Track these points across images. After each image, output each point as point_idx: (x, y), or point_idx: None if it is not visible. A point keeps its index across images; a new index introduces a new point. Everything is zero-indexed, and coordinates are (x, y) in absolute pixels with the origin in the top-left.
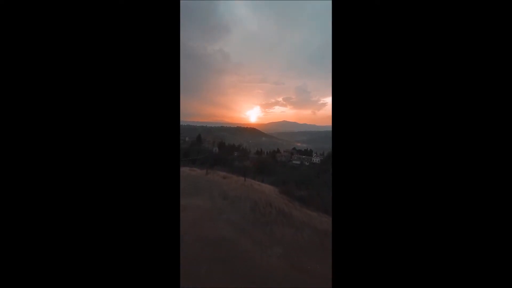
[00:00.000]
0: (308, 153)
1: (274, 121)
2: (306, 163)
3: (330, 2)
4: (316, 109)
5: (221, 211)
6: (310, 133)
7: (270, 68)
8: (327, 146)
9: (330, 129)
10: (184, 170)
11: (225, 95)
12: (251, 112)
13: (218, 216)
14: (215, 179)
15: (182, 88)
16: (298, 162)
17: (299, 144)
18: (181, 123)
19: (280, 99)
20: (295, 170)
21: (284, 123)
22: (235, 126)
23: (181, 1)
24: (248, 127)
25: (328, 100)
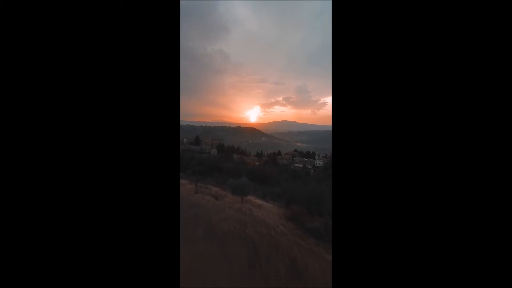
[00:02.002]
0: (310, 155)
1: (274, 120)
2: (309, 167)
3: (330, 2)
4: (316, 108)
5: (202, 272)
6: (310, 133)
7: (270, 68)
8: (328, 147)
9: (330, 128)
10: None
11: (225, 95)
12: (251, 112)
13: None
14: (204, 200)
15: (182, 88)
16: (300, 166)
17: (299, 144)
18: (181, 123)
19: (280, 98)
20: (299, 177)
21: (284, 122)
22: (235, 126)
23: (181, 1)
24: (248, 127)
25: (328, 99)
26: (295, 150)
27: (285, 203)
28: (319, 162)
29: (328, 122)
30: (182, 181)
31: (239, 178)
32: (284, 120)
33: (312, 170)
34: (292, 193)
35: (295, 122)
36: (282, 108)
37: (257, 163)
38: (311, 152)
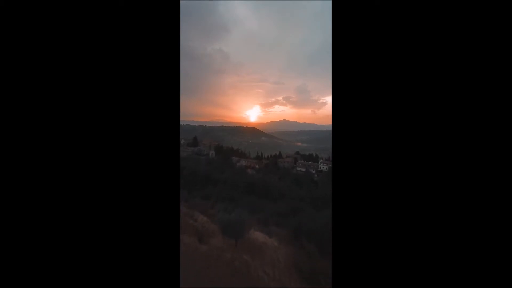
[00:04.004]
0: (313, 158)
1: (274, 120)
2: (312, 171)
3: (330, 2)
4: (316, 108)
5: None
6: (310, 133)
7: (270, 67)
8: (328, 146)
9: (330, 128)
10: None
11: (225, 95)
12: (251, 111)
13: None
14: (183, 246)
15: (182, 88)
16: (303, 170)
17: (299, 144)
18: (180, 123)
19: (280, 98)
20: (302, 183)
21: (284, 122)
22: (235, 126)
23: (181, 1)
24: (248, 126)
25: (328, 99)
26: (297, 153)
27: (294, 232)
28: (323, 166)
29: (328, 121)
30: None
31: (234, 207)
32: (284, 120)
33: (315, 175)
34: (300, 212)
35: (295, 122)
36: (282, 108)
37: (257, 166)
38: (314, 155)
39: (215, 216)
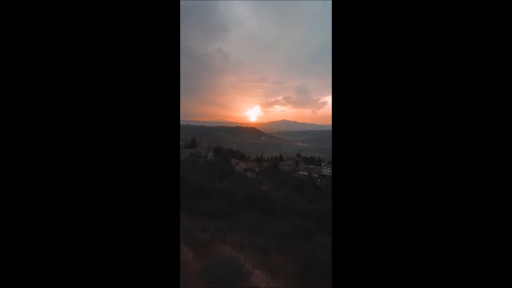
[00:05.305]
0: (315, 161)
1: (274, 120)
2: (315, 175)
3: (330, 2)
4: (316, 108)
5: None
6: (310, 133)
7: (270, 67)
8: (328, 146)
9: (330, 128)
10: None
11: (225, 94)
12: (251, 111)
13: None
14: None
15: (182, 88)
16: (305, 173)
17: (299, 144)
18: (180, 123)
19: (280, 98)
20: (308, 194)
21: (284, 122)
22: (235, 126)
23: (181, 1)
24: (248, 126)
25: (328, 99)
26: (298, 155)
27: (302, 266)
28: (326, 170)
29: (328, 121)
30: None
31: (230, 227)
32: (284, 120)
33: (319, 180)
34: (307, 235)
35: (295, 122)
36: (282, 108)
37: (257, 169)
38: (316, 158)
39: (203, 247)
